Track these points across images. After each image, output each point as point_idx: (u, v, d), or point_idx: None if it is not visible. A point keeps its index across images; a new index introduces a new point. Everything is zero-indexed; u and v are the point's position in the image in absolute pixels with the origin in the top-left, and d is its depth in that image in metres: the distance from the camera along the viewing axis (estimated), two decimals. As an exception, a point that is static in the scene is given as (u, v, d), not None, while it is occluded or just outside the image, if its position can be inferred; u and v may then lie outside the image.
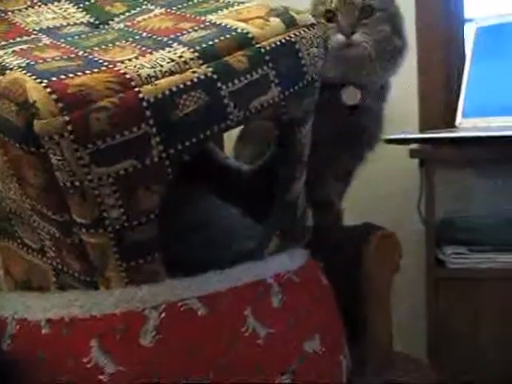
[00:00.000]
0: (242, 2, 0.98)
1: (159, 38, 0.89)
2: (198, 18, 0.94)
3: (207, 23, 0.92)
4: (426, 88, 1.70)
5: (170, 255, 0.91)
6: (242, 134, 1.29)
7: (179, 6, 1.00)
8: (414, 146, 1.45)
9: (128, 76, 0.80)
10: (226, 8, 0.97)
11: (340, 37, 1.06)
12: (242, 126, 1.29)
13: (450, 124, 1.60)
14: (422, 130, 1.67)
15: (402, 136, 1.38)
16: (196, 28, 0.91)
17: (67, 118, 0.77)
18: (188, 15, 0.96)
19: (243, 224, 1.07)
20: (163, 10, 0.99)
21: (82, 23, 0.99)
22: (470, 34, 1.67)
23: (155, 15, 0.98)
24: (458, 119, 1.60)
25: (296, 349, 0.95)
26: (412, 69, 1.72)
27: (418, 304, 1.49)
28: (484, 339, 1.43)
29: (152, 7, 1.01)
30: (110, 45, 0.89)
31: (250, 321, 0.91)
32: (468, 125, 1.57)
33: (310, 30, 0.93)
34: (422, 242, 1.49)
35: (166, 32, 0.91)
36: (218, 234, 1.03)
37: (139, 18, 0.98)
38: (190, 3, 1.00)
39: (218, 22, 0.92)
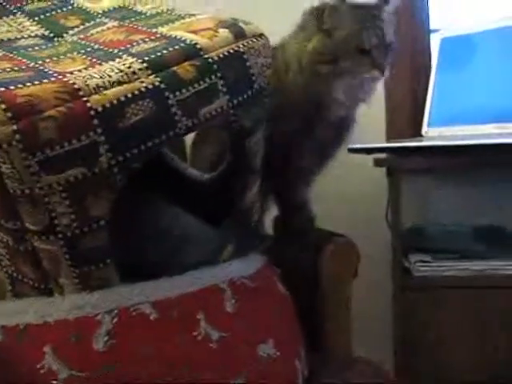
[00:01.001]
0: (194, 15, 1.01)
1: (110, 50, 0.91)
2: (149, 30, 0.97)
3: (158, 35, 0.95)
4: (393, 98, 1.73)
5: (126, 261, 0.93)
6: (195, 140, 1.31)
7: (132, 19, 1.02)
8: (379, 155, 1.47)
9: (76, 86, 0.83)
10: (178, 20, 1.00)
11: (377, 73, 1.15)
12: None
13: (417, 133, 1.62)
14: (388, 139, 1.70)
15: (366, 146, 1.40)
16: (146, 40, 0.93)
17: (15, 127, 0.79)
18: (140, 27, 0.98)
19: (200, 231, 1.08)
20: (116, 22, 1.02)
21: (36, 36, 1.02)
22: (435, 44, 1.70)
23: (108, 28, 1.01)
24: (424, 128, 1.62)
25: (250, 352, 0.96)
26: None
27: (384, 311, 1.50)
28: (449, 346, 1.45)
29: (106, 20, 1.04)
30: (62, 57, 0.91)
31: (202, 325, 0.92)
32: (434, 134, 1.60)
33: (258, 40, 0.96)
34: (390, 251, 1.51)
35: (118, 44, 0.93)
36: (175, 241, 1.04)
37: (93, 31, 1.01)
38: (143, 16, 1.03)
39: (169, 34, 0.95)
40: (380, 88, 1.75)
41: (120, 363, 0.88)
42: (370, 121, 1.70)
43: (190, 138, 1.35)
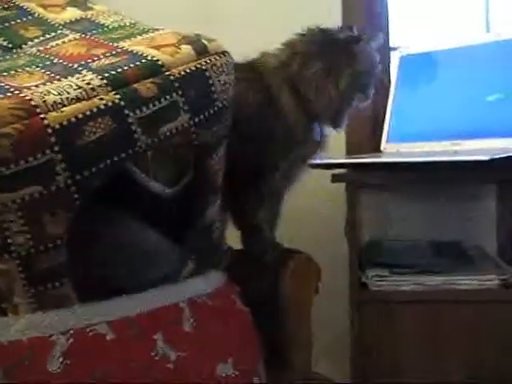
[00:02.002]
0: (157, 29, 1.00)
1: (70, 65, 0.90)
2: (111, 44, 0.96)
3: (119, 50, 0.93)
4: (353, 114, 1.74)
5: (84, 279, 0.92)
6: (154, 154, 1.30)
7: (94, 32, 1.01)
8: (337, 170, 1.48)
9: (33, 103, 0.81)
10: (140, 35, 0.98)
11: None
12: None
13: (376, 149, 1.64)
14: (348, 155, 1.72)
15: (326, 161, 1.41)
16: (108, 54, 0.92)
17: (-30, 145, 0.77)
18: (101, 41, 0.97)
19: (162, 248, 1.07)
20: (78, 35, 1.00)
21: (-6, 46, 0.99)
22: (394, 62, 1.72)
23: (69, 40, 0.99)
24: (383, 144, 1.64)
25: (208, 372, 0.95)
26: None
27: (343, 326, 1.51)
28: (404, 360, 1.46)
29: (67, 32, 1.02)
30: (20, 70, 0.89)
31: (160, 345, 0.91)
32: (392, 150, 1.62)
33: (221, 57, 0.95)
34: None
35: (78, 58, 0.92)
36: (135, 258, 1.03)
37: (53, 43, 0.98)
38: (106, 29, 1.02)
39: (130, 49, 0.93)
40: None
41: (75, 385, 0.86)
42: (331, 137, 1.72)
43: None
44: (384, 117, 1.66)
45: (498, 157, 1.27)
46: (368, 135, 1.75)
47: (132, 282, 0.96)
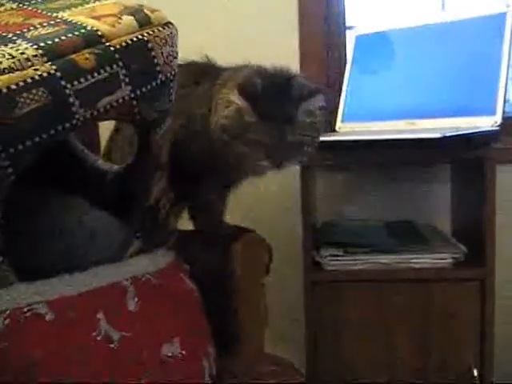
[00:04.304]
0: (99, 0, 0.96)
1: (3, 34, 0.86)
2: (49, 14, 0.92)
3: (58, 20, 0.90)
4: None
5: (22, 260, 0.88)
6: (111, 138, 1.28)
7: (33, 2, 0.97)
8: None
9: (-37, 72, 0.77)
10: (81, 5, 0.95)
11: None
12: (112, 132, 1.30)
13: (332, 129, 1.63)
14: (304, 135, 1.70)
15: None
16: (45, 24, 0.88)
17: None
18: (40, 11, 0.93)
19: (107, 227, 1.04)
20: (15, 4, 0.97)
21: None
22: (350, 41, 1.71)
23: (5, 10, 0.95)
24: (338, 124, 1.63)
25: (153, 352, 0.93)
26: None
27: (297, 306, 1.50)
28: (358, 338, 1.46)
29: (4, 1, 0.97)
30: (-49, 40, 0.85)
31: (102, 325, 0.89)
32: (347, 129, 1.61)
33: (164, 28, 0.92)
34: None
35: (13, 28, 0.88)
36: (78, 239, 1.00)
37: (-12, 13, 0.94)
38: (45, 0, 0.98)
39: (69, 19, 0.90)
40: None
41: (13, 367, 0.83)
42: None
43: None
44: (339, 96, 1.65)
45: (449, 135, 1.27)
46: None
47: (74, 263, 0.93)
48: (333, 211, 1.76)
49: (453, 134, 1.28)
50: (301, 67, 1.73)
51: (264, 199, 1.73)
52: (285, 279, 1.61)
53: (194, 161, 1.15)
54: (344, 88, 1.65)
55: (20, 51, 0.81)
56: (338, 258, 1.45)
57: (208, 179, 1.19)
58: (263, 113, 1.06)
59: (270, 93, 1.07)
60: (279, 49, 1.73)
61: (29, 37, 0.85)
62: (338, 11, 1.79)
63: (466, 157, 1.44)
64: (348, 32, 1.79)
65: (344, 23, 1.81)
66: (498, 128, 1.41)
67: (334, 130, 1.63)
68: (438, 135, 1.26)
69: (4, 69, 0.79)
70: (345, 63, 1.68)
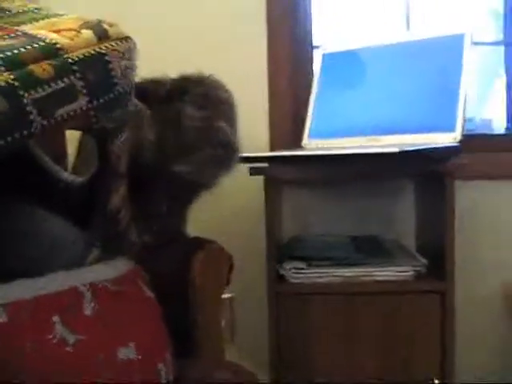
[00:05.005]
0: (61, 15, 1.00)
1: (-36, 46, 0.89)
2: (10, 28, 0.95)
3: (18, 33, 0.93)
4: (276, 111, 1.78)
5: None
6: (78, 152, 1.30)
7: (-4, 16, 1.00)
8: (255, 164, 1.49)
9: None
10: (43, 19, 0.98)
11: None
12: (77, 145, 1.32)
13: (298, 145, 1.67)
14: (272, 151, 1.74)
15: (243, 155, 1.42)
16: (5, 37, 0.91)
17: None
18: (1, 25, 0.96)
19: (67, 235, 1.07)
20: (-23, 19, 1.00)
21: None
22: (317, 59, 1.75)
23: (-32, 24, 0.98)
24: (304, 140, 1.67)
25: (109, 356, 0.95)
26: (263, 94, 1.79)
27: (262, 319, 1.52)
28: (322, 350, 1.49)
29: (-34, 16, 1.01)
30: None
31: (58, 328, 0.91)
32: (313, 146, 1.65)
33: (122, 42, 0.96)
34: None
35: (-26, 40, 0.91)
36: (37, 247, 1.02)
37: (-50, 27, 0.97)
38: (8, 13, 1.01)
39: (30, 32, 0.93)
40: (265, 103, 1.80)
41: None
42: (255, 134, 1.75)
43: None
44: (306, 113, 1.69)
45: (406, 149, 1.31)
46: (291, 131, 1.78)
47: (32, 268, 0.95)
48: (299, 226, 1.79)
49: (410, 148, 1.33)
50: (269, 85, 1.78)
51: (229, 213, 1.76)
52: (253, 292, 1.64)
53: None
54: (310, 105, 1.69)
55: (-21, 61, 0.84)
56: (302, 271, 1.48)
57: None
58: None
59: None
60: (247, 68, 1.77)
61: (-11, 48, 0.88)
62: (305, 30, 1.84)
63: (425, 172, 1.48)
64: (315, 50, 1.84)
65: (311, 42, 1.85)
66: (457, 144, 1.46)
67: (300, 147, 1.66)
68: (395, 150, 1.30)
69: (-38, 77, 0.82)
70: (312, 81, 1.72)
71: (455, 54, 1.56)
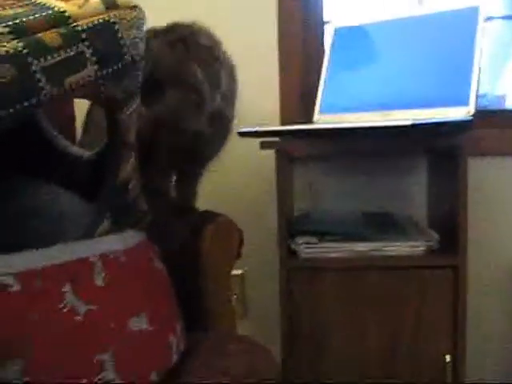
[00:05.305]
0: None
1: (-27, 14, 0.89)
2: (19, -3, 0.95)
3: (26, 2, 0.92)
4: (287, 86, 1.76)
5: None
6: (85, 128, 1.30)
7: (4, -14, 0.99)
8: (266, 138, 1.49)
9: None
10: (51, -12, 0.97)
11: None
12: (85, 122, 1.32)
13: (309, 120, 1.66)
14: (282, 126, 1.73)
15: (255, 129, 1.42)
16: (13, 6, 0.91)
17: None
18: (9, -6, 0.96)
19: (77, 209, 1.07)
20: (-14, -11, 0.99)
21: None
22: (328, 35, 1.74)
23: (-24, -7, 0.97)
24: (316, 115, 1.66)
25: (119, 326, 0.95)
26: (274, 68, 1.78)
27: (274, 294, 1.52)
28: (333, 325, 1.48)
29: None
30: None
31: (68, 297, 0.91)
32: (324, 120, 1.63)
33: (131, 11, 0.95)
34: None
35: (-18, 9, 0.90)
36: (48, 218, 1.02)
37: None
38: (16, -17, 1.00)
39: (38, 1, 0.92)
40: (275, 78, 1.79)
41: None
42: (266, 108, 1.74)
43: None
44: (317, 88, 1.68)
45: (420, 122, 1.30)
46: (302, 106, 1.77)
47: (43, 240, 0.95)
48: (309, 201, 1.79)
49: (423, 121, 1.31)
50: (280, 60, 1.77)
51: (240, 189, 1.76)
52: (261, 268, 1.64)
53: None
54: (322, 80, 1.67)
55: (-13, 29, 0.84)
56: (313, 246, 1.48)
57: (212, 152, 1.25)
58: None
59: None
60: (258, 42, 1.76)
61: (-3, 16, 0.87)
62: (316, 4, 1.82)
63: (437, 146, 1.47)
64: (326, 25, 1.82)
65: (322, 16, 1.84)
66: (471, 117, 1.44)
67: (311, 122, 1.65)
68: (409, 122, 1.28)
69: (-29, 45, 0.81)
70: (323, 56, 1.70)
71: (468, 27, 1.54)
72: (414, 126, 1.28)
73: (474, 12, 1.55)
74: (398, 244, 1.48)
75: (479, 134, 1.45)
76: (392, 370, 1.49)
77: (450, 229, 1.48)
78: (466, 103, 1.47)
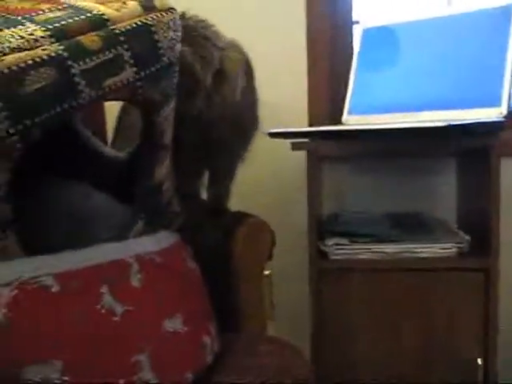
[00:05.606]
0: (106, -13, 1.00)
1: (13, 17, 0.89)
2: (57, 0, 0.95)
3: (65, 5, 0.93)
4: (315, 87, 1.76)
5: (32, 237, 0.92)
6: (117, 131, 1.31)
7: (42, -11, 1.00)
8: (296, 139, 1.49)
9: (-27, 50, 0.81)
10: (88, -8, 0.98)
11: None
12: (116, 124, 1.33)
13: (337, 121, 1.65)
14: (310, 126, 1.73)
15: (285, 130, 1.42)
16: (53, 9, 0.92)
17: None
18: (48, -3, 0.97)
19: (111, 209, 1.08)
20: (24, -8, 1.00)
21: None
22: (357, 35, 1.73)
23: (15, -4, 0.98)
24: (345, 116, 1.65)
25: (155, 327, 0.96)
26: (302, 69, 1.78)
27: (302, 295, 1.52)
28: (361, 326, 1.48)
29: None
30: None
31: (106, 298, 0.92)
32: (352, 121, 1.63)
33: (167, 14, 0.96)
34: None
35: (22, 12, 0.91)
36: (84, 219, 1.03)
37: (-2, 0, 0.98)
38: (54, -14, 1.01)
39: (76, 5, 0.93)
40: (304, 78, 1.79)
41: (19, 336, 0.86)
42: (294, 109, 1.74)
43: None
44: (346, 89, 1.67)
45: (454, 124, 1.29)
46: (330, 107, 1.76)
47: (79, 241, 0.96)
48: (338, 202, 1.78)
49: (458, 122, 1.30)
50: (308, 61, 1.76)
51: (270, 190, 1.76)
52: (290, 269, 1.64)
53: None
54: (350, 81, 1.67)
55: (29, 32, 0.85)
56: (343, 247, 1.48)
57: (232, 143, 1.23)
58: None
59: None
60: (286, 43, 1.76)
61: (37, 20, 0.88)
62: (345, 5, 1.82)
63: (471, 147, 1.45)
64: (355, 26, 1.81)
65: (351, 17, 1.83)
66: (503, 119, 1.43)
67: (339, 122, 1.65)
68: (443, 124, 1.28)
69: (13, 48, 0.82)
70: (351, 57, 1.70)
71: (501, 26, 1.52)
72: (450, 127, 1.27)
73: (506, 11, 1.53)
74: (429, 246, 1.47)
75: (510, 134, 1.43)
76: (422, 373, 1.49)
77: (480, 231, 1.47)
78: (498, 104, 1.45)
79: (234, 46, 1.21)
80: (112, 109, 1.35)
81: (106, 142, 1.35)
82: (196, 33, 1.14)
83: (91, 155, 1.19)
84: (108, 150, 1.21)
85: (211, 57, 1.14)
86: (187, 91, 1.12)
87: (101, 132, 1.32)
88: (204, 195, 1.34)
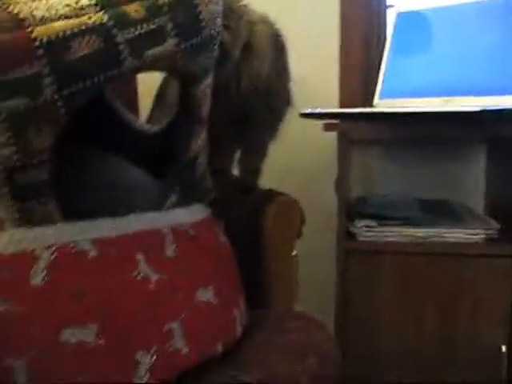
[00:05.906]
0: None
1: (59, -14, 0.91)
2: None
3: (110, -24, 0.94)
4: (347, 69, 1.76)
5: (71, 205, 0.93)
6: (156, 103, 1.32)
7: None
8: (330, 121, 1.49)
9: (21, 16, 0.82)
10: (132, -37, 0.99)
11: None
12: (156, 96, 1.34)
13: (368, 104, 1.65)
14: (341, 108, 1.73)
15: (318, 111, 1.42)
16: (98, -22, 0.93)
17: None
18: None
19: (145, 182, 1.09)
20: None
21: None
22: (390, 19, 1.72)
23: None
24: (376, 100, 1.65)
25: (188, 296, 0.97)
26: (334, 53, 1.77)
27: (329, 276, 1.53)
28: (386, 309, 1.48)
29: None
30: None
31: (141, 266, 0.93)
32: (384, 105, 1.62)
33: (210, -13, 0.96)
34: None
35: (67, -19, 0.93)
36: (121, 191, 1.05)
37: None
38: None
39: (121, -25, 0.94)
40: (335, 60, 1.79)
41: (57, 299, 0.88)
42: (325, 91, 1.74)
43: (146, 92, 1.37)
44: (378, 72, 1.67)
45: (488, 109, 1.28)
46: (361, 90, 1.76)
47: (116, 210, 0.98)
48: (366, 186, 1.78)
49: (493, 108, 1.29)
50: (341, 44, 1.76)
51: (300, 171, 1.76)
52: (319, 250, 1.65)
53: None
54: (383, 65, 1.66)
55: (75, 1, 0.86)
56: (372, 229, 1.48)
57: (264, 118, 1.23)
58: None
59: None
60: (320, 28, 1.76)
61: (83, -12, 0.89)
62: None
63: (504, 134, 1.44)
64: (389, 9, 1.80)
65: (385, 1, 1.82)
66: (540, 106, 1.42)
67: (370, 106, 1.65)
68: (477, 108, 1.27)
69: (60, 15, 0.84)
70: (384, 41, 1.69)
71: (538, 11, 1.51)
72: (482, 111, 1.27)
73: (544, -5, 1.51)
74: (458, 231, 1.47)
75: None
76: (446, 357, 1.49)
77: (509, 218, 1.46)
78: (532, 91, 1.44)
79: (264, 21, 1.22)
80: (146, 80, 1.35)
81: (138, 115, 1.37)
82: (225, 5, 1.15)
83: (125, 128, 1.20)
84: (141, 123, 1.22)
85: (239, 29, 1.15)
86: (216, 61, 1.13)
87: (133, 104, 1.33)
88: (235, 172, 1.35)
